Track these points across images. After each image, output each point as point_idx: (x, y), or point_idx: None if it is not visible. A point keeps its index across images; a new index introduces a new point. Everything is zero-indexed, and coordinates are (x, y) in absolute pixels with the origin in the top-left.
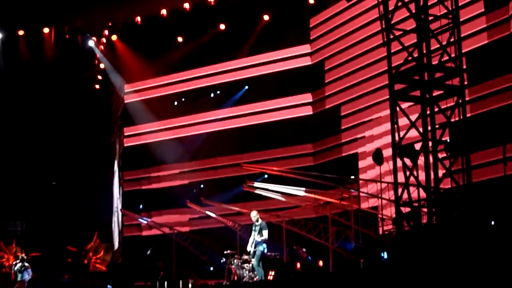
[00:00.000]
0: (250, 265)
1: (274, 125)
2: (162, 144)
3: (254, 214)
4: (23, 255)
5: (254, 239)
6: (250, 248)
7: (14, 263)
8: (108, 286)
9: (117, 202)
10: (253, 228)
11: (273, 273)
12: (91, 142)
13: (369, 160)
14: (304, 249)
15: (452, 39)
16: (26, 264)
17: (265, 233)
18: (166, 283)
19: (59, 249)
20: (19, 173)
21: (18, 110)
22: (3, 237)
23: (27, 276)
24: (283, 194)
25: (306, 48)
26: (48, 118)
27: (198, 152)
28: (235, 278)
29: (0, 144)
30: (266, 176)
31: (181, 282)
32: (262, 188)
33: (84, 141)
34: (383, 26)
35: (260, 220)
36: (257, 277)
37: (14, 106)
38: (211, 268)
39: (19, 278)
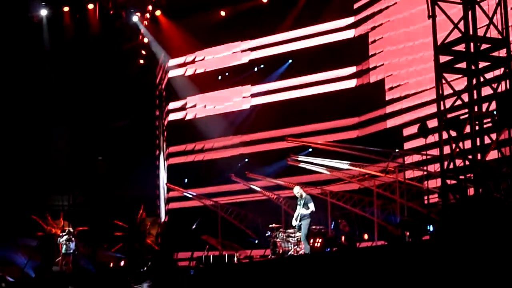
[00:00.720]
0: (296, 238)
1: (318, 98)
2: (206, 119)
3: (297, 190)
4: (70, 228)
5: (299, 213)
6: (295, 222)
7: (60, 235)
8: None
9: (162, 176)
10: (298, 202)
11: (320, 240)
12: (136, 117)
13: (414, 133)
14: (345, 223)
15: (498, 10)
16: (72, 237)
17: (311, 205)
18: (211, 256)
19: (106, 223)
20: (65, 148)
21: (64, 86)
22: (50, 211)
23: (72, 247)
24: (327, 167)
25: (349, 20)
26: (93, 93)
27: (242, 126)
28: (280, 251)
29: (48, 119)
30: (310, 149)
31: (226, 254)
32: (307, 161)
33: (129, 116)
34: None
35: (304, 194)
36: (303, 250)
37: (60, 82)
38: (256, 241)
39: (63, 251)
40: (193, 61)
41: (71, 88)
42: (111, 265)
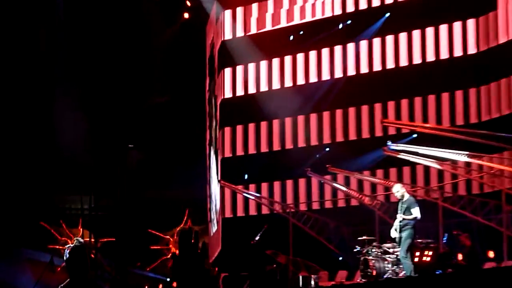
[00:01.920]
0: (395, 255)
1: (424, 66)
2: (273, 94)
3: (397, 189)
4: (79, 237)
5: (400, 220)
6: (394, 233)
7: (67, 246)
8: None
9: (214, 171)
10: (399, 206)
11: (430, 253)
12: (178, 92)
13: None
14: (467, 235)
15: None
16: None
17: (415, 211)
18: (279, 278)
19: (138, 233)
20: (84, 136)
21: (81, 56)
22: (65, 217)
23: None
24: (437, 159)
25: None
26: (120, 63)
27: (322, 104)
28: (374, 273)
29: (61, 99)
30: (414, 135)
31: (300, 278)
32: (409, 152)
33: (169, 91)
34: None
35: (406, 196)
36: (404, 272)
37: (75, 52)
38: (341, 259)
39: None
40: (256, 18)
41: (91, 59)
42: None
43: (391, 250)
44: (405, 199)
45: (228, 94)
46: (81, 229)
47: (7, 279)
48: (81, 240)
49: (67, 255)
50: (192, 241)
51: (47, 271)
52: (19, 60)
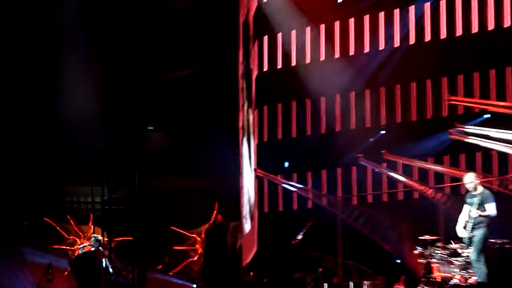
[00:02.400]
0: (463, 258)
1: (500, 32)
2: (320, 66)
3: (470, 179)
4: (98, 236)
5: (470, 217)
6: (462, 232)
7: (80, 246)
8: None
9: (246, 159)
10: (468, 200)
11: None
12: (207, 63)
13: None
14: None
15: None
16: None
17: (490, 207)
18: (326, 285)
19: (159, 231)
20: (95, 114)
21: (89, 16)
22: (73, 212)
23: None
24: None
25: None
26: (138, 27)
27: (377, 78)
28: (438, 279)
29: (66, 68)
30: (487, 115)
31: (351, 285)
32: (481, 135)
33: (197, 62)
34: None
35: (480, 188)
36: (475, 277)
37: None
38: (398, 261)
39: None
40: None
41: (101, 20)
42: None
43: (459, 252)
44: (478, 191)
45: (265, 67)
46: (92, 226)
47: (1, 283)
48: (99, 238)
49: (74, 262)
50: (221, 238)
51: (44, 280)
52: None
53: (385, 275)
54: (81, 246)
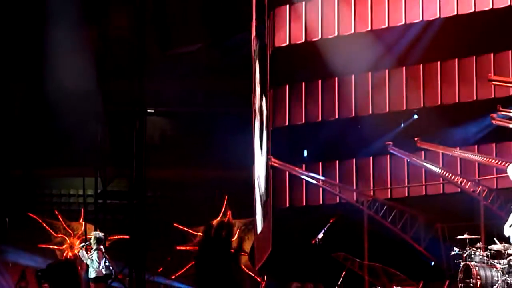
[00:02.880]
0: (507, 261)
1: None
2: (344, 41)
3: None
4: (98, 233)
5: None
6: (508, 230)
7: (81, 245)
8: None
9: (257, 146)
10: None
11: None
12: (216, 39)
13: None
14: None
15: None
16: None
17: None
18: None
19: (160, 229)
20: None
21: None
22: (61, 206)
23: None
24: None
25: None
26: None
27: (410, 55)
28: (478, 283)
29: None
30: None
31: None
32: None
33: (201, 35)
34: None
35: None
36: None
37: None
38: (432, 263)
39: (91, 274)
40: None
41: None
42: None
43: (503, 255)
44: None
45: (282, 41)
46: (83, 223)
47: None
48: (100, 236)
49: (45, 272)
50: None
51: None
52: None
53: (416, 279)
54: (81, 245)
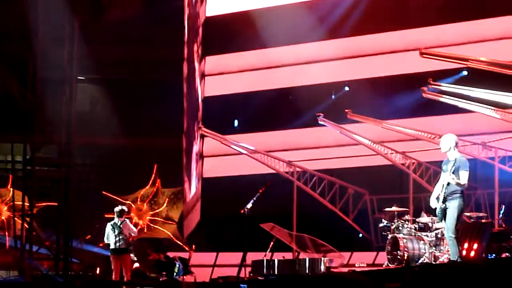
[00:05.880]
0: (434, 233)
1: None
2: (275, 11)
3: (446, 142)
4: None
5: (443, 186)
6: (435, 202)
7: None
8: None
9: (191, 113)
10: (444, 167)
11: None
12: (148, 7)
13: None
14: None
15: None
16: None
17: (463, 176)
18: (276, 261)
19: (88, 196)
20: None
21: None
22: None
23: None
24: (494, 106)
25: None
26: None
27: (341, 26)
28: (405, 256)
29: None
30: (464, 73)
31: (307, 259)
32: (457, 94)
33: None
34: None
35: (456, 154)
36: (448, 255)
37: None
38: (360, 235)
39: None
40: None
41: None
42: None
43: (429, 227)
44: (453, 157)
45: (213, 11)
46: (11, 189)
47: None
48: (122, 208)
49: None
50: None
51: None
52: None
53: (344, 250)
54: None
